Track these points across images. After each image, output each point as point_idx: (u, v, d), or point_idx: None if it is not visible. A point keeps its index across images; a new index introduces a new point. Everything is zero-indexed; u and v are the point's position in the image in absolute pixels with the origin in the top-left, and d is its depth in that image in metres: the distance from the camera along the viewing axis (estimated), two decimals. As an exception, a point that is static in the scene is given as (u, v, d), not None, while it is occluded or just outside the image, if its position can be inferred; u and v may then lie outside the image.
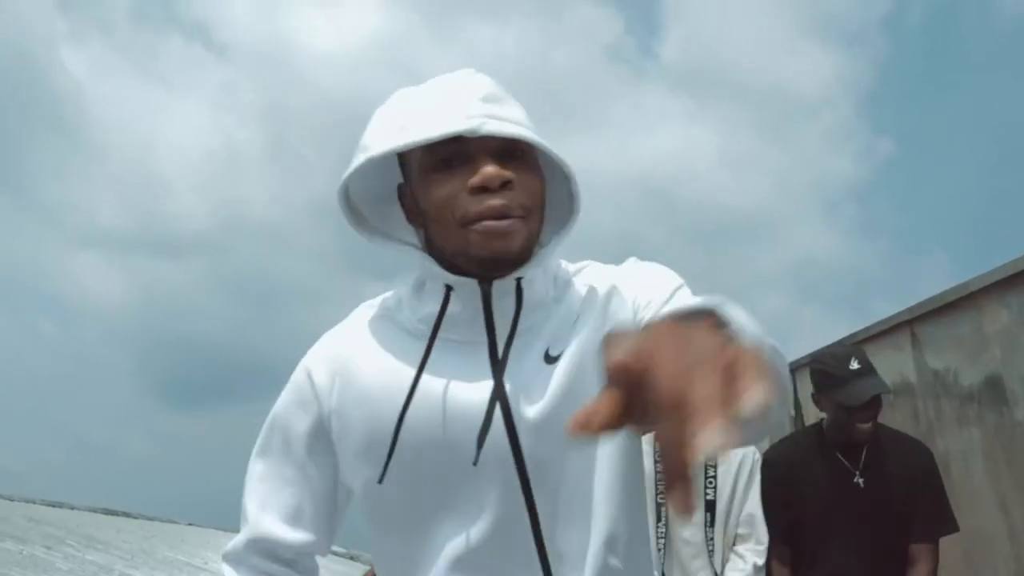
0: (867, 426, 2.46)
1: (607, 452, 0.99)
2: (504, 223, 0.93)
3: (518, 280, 1.00)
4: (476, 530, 0.96)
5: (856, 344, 2.57)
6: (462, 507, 0.97)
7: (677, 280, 1.06)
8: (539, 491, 0.95)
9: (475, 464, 0.94)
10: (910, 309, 4.14)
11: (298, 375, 1.07)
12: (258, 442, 1.09)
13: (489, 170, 0.92)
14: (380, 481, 0.96)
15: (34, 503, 9.14)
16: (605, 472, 0.99)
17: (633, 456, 1.03)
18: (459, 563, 0.96)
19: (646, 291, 1.04)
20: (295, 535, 1.06)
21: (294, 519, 1.06)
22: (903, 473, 2.48)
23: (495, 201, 0.93)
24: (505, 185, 0.93)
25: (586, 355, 0.98)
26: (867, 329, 4.64)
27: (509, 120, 0.95)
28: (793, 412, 5.99)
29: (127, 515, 10.46)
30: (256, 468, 1.08)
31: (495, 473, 0.95)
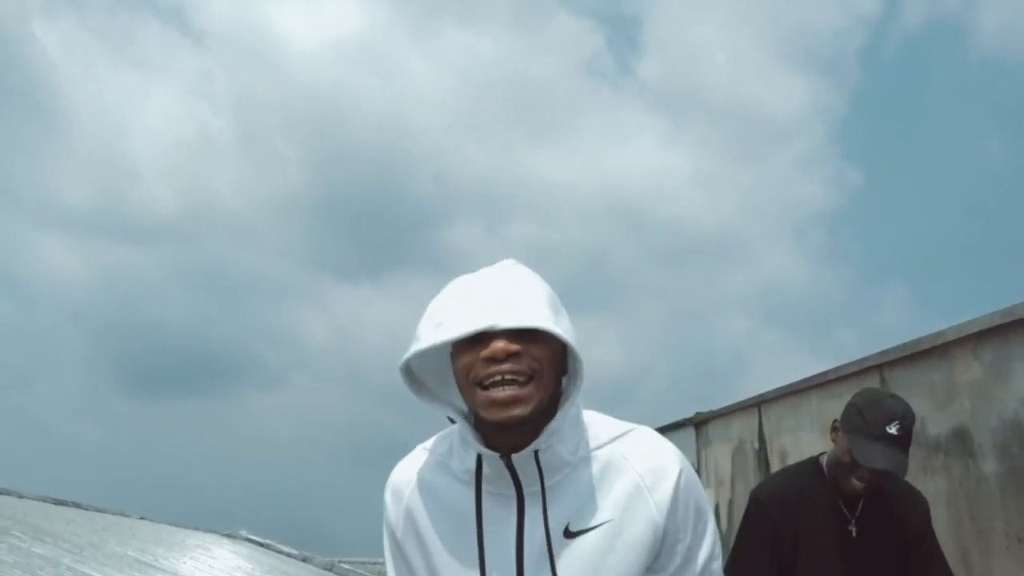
0: (861, 486, 2.34)
1: None
2: (507, 391, 1.15)
3: (536, 453, 1.20)
4: None
5: (905, 405, 2.40)
6: None
7: (706, 520, 1.27)
8: None
9: None
10: (882, 353, 4.16)
11: (385, 508, 1.37)
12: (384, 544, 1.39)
13: (497, 345, 1.16)
14: None
15: None
16: None
17: None
18: None
19: (682, 536, 1.23)
20: None
21: None
22: (900, 525, 2.40)
23: (501, 367, 1.16)
24: (511, 356, 1.16)
25: (600, 537, 1.20)
26: (837, 369, 4.67)
27: (525, 310, 1.17)
28: (757, 445, 6.01)
29: (77, 506, 10.21)
30: (387, 562, 1.38)
31: None
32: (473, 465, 1.25)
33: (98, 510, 10.81)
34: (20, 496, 9.58)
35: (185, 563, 8.76)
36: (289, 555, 11.90)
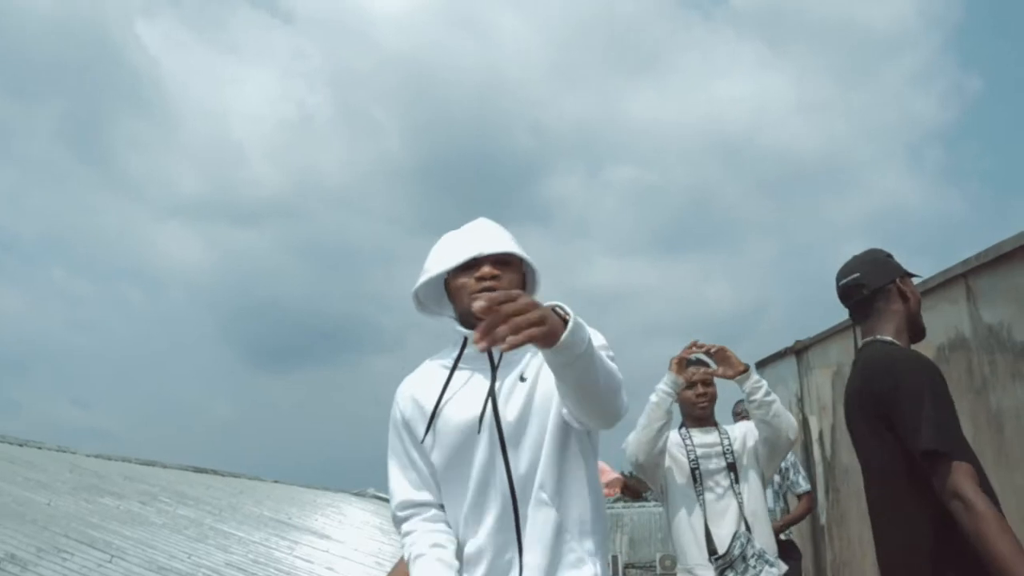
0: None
1: (551, 434, 1.75)
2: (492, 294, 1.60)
3: None
4: (478, 471, 1.76)
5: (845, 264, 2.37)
6: (472, 460, 1.77)
7: (599, 345, 1.67)
8: (510, 448, 1.75)
9: (478, 432, 1.75)
10: (965, 261, 4.04)
11: (393, 404, 1.91)
12: (388, 445, 1.92)
13: (486, 268, 1.79)
14: (422, 441, 1.83)
15: (130, 462, 9.69)
16: (549, 441, 1.76)
17: (567, 435, 1.77)
18: (478, 485, 1.76)
19: None
20: (422, 495, 1.86)
21: (419, 485, 1.86)
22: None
23: (487, 283, 1.76)
24: (495, 278, 1.77)
25: (537, 380, 1.78)
26: (924, 282, 4.55)
27: (501, 243, 1.82)
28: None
29: (215, 472, 10.98)
30: (390, 462, 1.91)
31: (488, 440, 1.76)
32: (455, 353, 1.86)
33: (234, 476, 11.60)
34: (164, 466, 10.40)
35: (317, 520, 9.35)
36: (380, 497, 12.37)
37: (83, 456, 9.35)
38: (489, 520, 1.75)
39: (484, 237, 1.82)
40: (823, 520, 6.19)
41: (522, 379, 1.79)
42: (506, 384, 1.79)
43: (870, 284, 2.27)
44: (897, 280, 2.28)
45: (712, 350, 3.18)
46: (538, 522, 1.71)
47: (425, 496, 1.86)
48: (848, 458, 5.13)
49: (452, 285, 1.85)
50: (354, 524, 9.94)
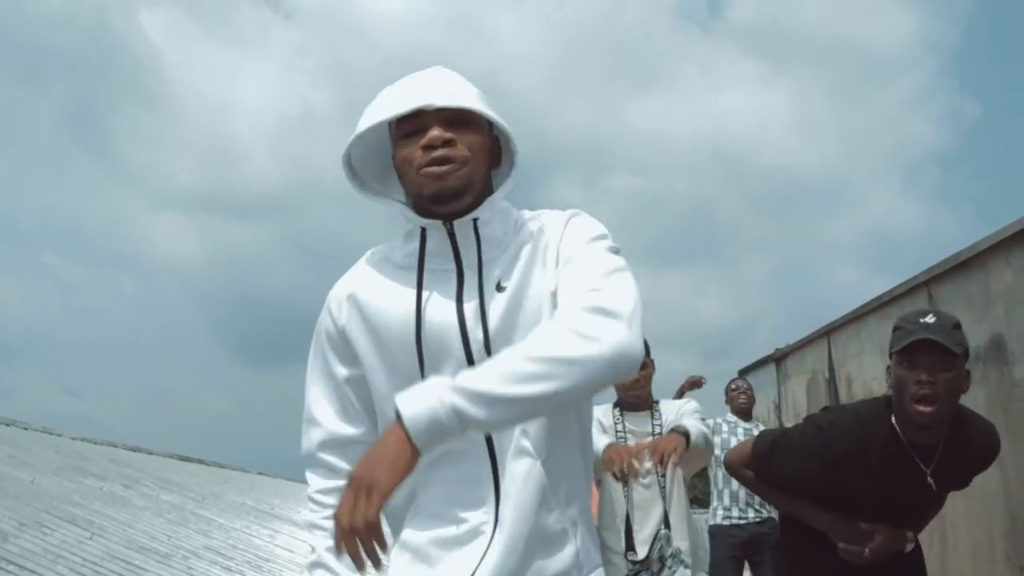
0: (921, 406, 2.02)
1: None
2: (442, 168, 1.28)
3: (475, 221, 1.33)
4: None
5: (885, 303, 2.33)
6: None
7: (594, 236, 1.33)
8: None
9: (443, 355, 1.30)
10: (927, 270, 4.19)
11: (323, 311, 1.42)
12: (308, 366, 1.46)
13: (433, 132, 1.28)
14: (422, 373, 1.30)
15: (115, 446, 9.77)
16: None
17: None
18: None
19: (567, 247, 1.32)
20: (351, 429, 1.41)
21: (346, 417, 1.41)
22: (969, 464, 2.21)
23: (437, 153, 1.28)
24: (447, 143, 1.28)
25: (524, 287, 1.32)
26: (891, 291, 4.70)
27: (457, 94, 1.30)
28: (827, 375, 6.06)
29: (201, 461, 11.03)
30: (311, 386, 1.44)
31: (455, 367, 1.25)
32: (416, 248, 1.36)
33: (220, 465, 11.69)
34: (150, 453, 10.48)
35: (300, 512, 9.42)
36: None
37: (68, 439, 9.43)
38: (452, 472, 1.31)
39: (433, 86, 1.31)
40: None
41: (499, 288, 1.31)
42: (475, 295, 1.32)
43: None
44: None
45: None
46: (518, 476, 1.28)
47: (354, 431, 1.41)
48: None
49: (397, 157, 1.34)
50: None
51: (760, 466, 2.35)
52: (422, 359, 1.31)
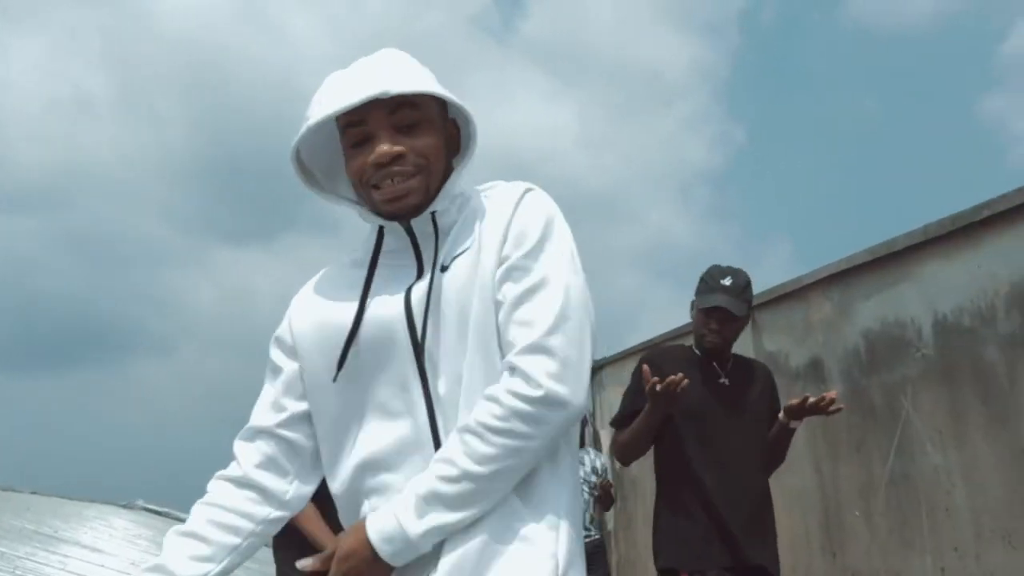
0: (714, 336, 2.86)
1: (477, 336, 1.23)
2: (399, 187, 1.23)
3: (433, 214, 1.28)
4: (390, 383, 1.24)
5: (738, 270, 2.92)
6: (387, 371, 1.25)
7: (543, 229, 1.25)
8: (428, 364, 1.22)
9: (383, 344, 1.25)
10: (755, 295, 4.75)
11: (285, 318, 1.40)
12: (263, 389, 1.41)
13: (382, 148, 1.22)
14: (340, 366, 1.26)
15: None
16: (471, 349, 1.22)
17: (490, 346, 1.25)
18: (381, 408, 1.25)
19: (515, 238, 1.24)
20: (277, 416, 1.35)
21: (275, 408, 1.36)
22: (756, 379, 2.98)
23: (390, 169, 1.22)
24: (397, 158, 1.22)
25: (463, 267, 1.24)
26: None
27: (410, 79, 1.22)
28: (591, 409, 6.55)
29: None
30: (262, 396, 1.40)
31: (404, 352, 1.23)
32: (371, 247, 1.32)
33: None
34: (-99, 475, 9.21)
35: (85, 533, 8.68)
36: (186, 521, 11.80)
37: None
38: (393, 459, 1.23)
39: (378, 73, 1.23)
40: (611, 526, 6.76)
41: (444, 268, 1.26)
42: (426, 281, 1.26)
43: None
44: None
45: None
46: None
47: (271, 419, 1.36)
48: (636, 469, 5.68)
49: (348, 167, 1.28)
50: (125, 537, 9.33)
51: (621, 424, 2.93)
52: (344, 353, 1.26)
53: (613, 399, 7.42)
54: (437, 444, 1.20)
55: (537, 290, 1.20)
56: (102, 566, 6.99)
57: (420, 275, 1.28)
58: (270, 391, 1.38)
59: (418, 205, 1.25)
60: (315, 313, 1.34)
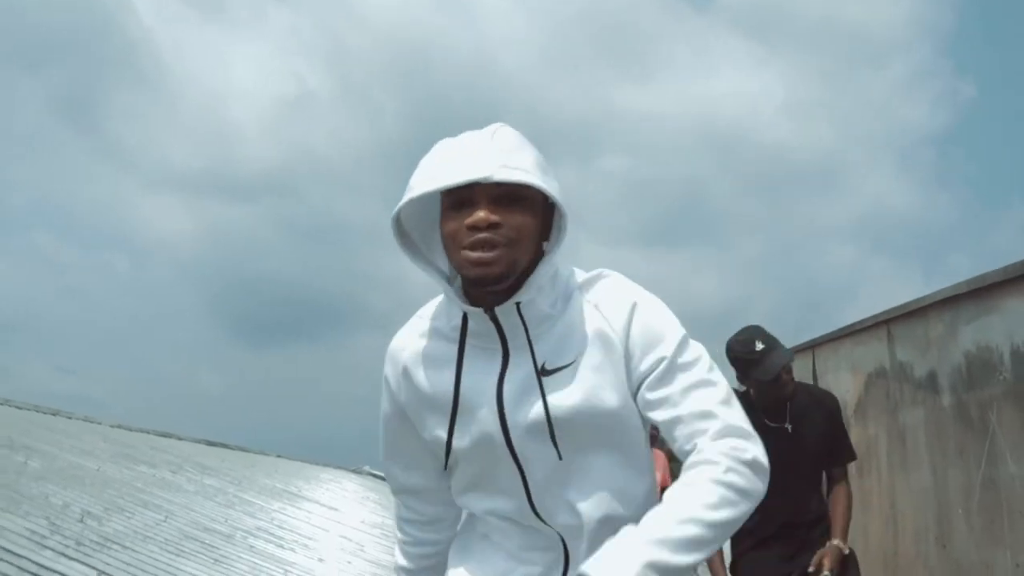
0: (786, 390, 3.02)
1: (601, 456, 1.34)
2: (486, 254, 1.24)
3: (518, 305, 1.30)
4: (501, 492, 1.39)
5: (749, 329, 3.09)
6: (489, 476, 1.39)
7: (673, 338, 1.31)
8: (529, 471, 1.34)
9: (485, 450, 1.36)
10: (887, 311, 5.10)
11: (384, 381, 1.47)
12: (380, 440, 1.55)
13: (480, 214, 1.23)
14: (445, 468, 1.43)
15: (148, 433, 10.22)
16: (595, 467, 1.34)
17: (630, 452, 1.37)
18: (491, 512, 1.42)
19: (640, 352, 1.30)
20: (415, 479, 1.51)
21: (408, 467, 1.51)
22: (818, 417, 3.09)
23: (481, 235, 1.24)
24: (492, 226, 1.23)
25: (578, 369, 1.30)
26: (862, 321, 5.59)
27: (518, 169, 1.24)
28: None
29: (225, 446, 11.37)
30: (381, 425, 1.52)
31: (503, 456, 1.35)
32: (459, 322, 1.35)
33: (243, 450, 12.09)
34: (179, 438, 11.00)
35: (323, 494, 9.93)
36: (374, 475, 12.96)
37: (107, 427, 9.90)
38: (530, 541, 1.41)
39: (489, 156, 1.24)
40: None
41: (545, 372, 1.30)
42: (521, 381, 1.31)
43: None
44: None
45: None
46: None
47: (418, 481, 1.51)
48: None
49: (443, 228, 1.29)
50: (355, 499, 10.33)
51: None
52: (451, 436, 1.37)
53: (831, 383, 7.83)
54: (564, 543, 1.37)
55: (700, 386, 1.28)
56: (339, 523, 8.09)
57: (506, 363, 1.33)
58: (396, 449, 1.52)
59: (501, 275, 1.26)
60: (414, 386, 1.40)
